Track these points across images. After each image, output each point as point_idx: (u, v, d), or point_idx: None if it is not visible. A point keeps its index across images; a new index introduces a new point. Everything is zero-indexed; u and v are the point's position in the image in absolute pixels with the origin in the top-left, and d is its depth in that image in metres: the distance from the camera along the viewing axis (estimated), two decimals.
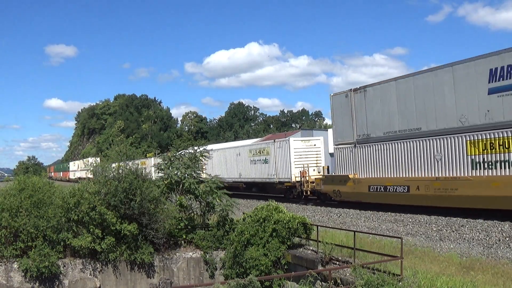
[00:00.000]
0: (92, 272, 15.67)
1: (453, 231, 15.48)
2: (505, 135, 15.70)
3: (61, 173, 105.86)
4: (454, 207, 17.68)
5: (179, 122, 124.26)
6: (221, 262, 16.56)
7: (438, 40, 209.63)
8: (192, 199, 18.80)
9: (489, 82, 16.34)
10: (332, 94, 24.47)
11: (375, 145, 21.13)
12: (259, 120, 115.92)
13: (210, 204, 18.30)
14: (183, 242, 17.38)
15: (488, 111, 16.33)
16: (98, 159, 71.46)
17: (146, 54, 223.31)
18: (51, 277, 14.97)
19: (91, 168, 17.41)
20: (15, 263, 14.89)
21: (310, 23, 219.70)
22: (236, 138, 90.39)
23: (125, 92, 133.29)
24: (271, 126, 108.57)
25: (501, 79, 15.91)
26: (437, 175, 18.13)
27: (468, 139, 16.86)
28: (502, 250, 12.98)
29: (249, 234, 14.66)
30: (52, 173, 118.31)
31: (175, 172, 18.51)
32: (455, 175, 17.39)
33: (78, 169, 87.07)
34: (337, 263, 12.48)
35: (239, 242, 14.94)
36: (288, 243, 14.31)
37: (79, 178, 72.80)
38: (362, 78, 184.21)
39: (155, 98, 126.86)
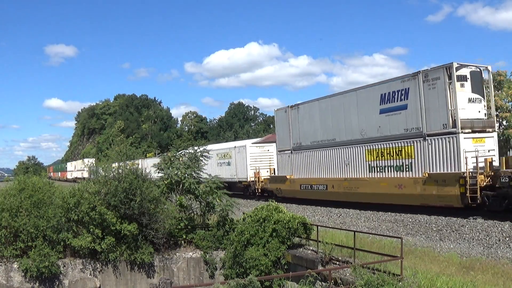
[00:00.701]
0: (92, 272, 15.67)
1: (453, 231, 15.48)
2: (391, 146, 20.26)
3: (59, 173, 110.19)
4: (357, 201, 22.22)
5: (179, 122, 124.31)
6: (221, 262, 16.55)
7: (438, 40, 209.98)
8: (192, 199, 18.80)
9: (380, 104, 20.84)
10: (275, 109, 29.69)
11: (304, 151, 26.13)
12: (259, 120, 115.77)
13: (210, 204, 18.30)
14: (183, 242, 17.38)
15: (380, 126, 20.87)
16: (93, 159, 78.00)
17: (145, 54, 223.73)
18: (51, 277, 14.97)
19: (87, 169, 17.47)
20: (15, 263, 14.89)
21: (310, 23, 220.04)
22: (236, 138, 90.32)
23: (125, 92, 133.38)
24: (271, 126, 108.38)
25: (388, 102, 20.51)
26: (345, 177, 22.82)
27: (366, 148, 21.54)
28: (502, 250, 12.98)
29: (249, 234, 14.66)
30: (51, 173, 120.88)
31: (175, 172, 18.50)
32: (357, 176, 22.11)
33: (75, 169, 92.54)
34: (337, 263, 12.48)
35: (239, 242, 14.94)
36: (288, 243, 14.31)
37: (76, 178, 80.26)
38: (361, 78, 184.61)
39: (155, 98, 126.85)
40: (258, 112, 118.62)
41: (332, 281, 10.84)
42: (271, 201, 15.97)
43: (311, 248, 14.20)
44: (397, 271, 10.41)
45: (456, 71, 17.52)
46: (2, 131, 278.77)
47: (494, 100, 20.92)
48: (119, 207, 15.70)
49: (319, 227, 14.19)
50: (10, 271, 14.82)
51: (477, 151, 17.10)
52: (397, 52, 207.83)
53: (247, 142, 38.00)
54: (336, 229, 15.36)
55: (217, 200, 18.27)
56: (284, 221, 14.22)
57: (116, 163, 17.36)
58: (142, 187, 15.99)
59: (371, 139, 21.21)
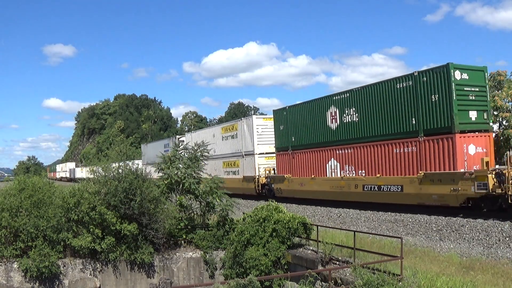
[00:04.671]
0: (92, 272, 15.67)
1: (453, 231, 15.47)
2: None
3: (52, 173, 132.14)
4: None
5: (179, 122, 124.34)
6: (221, 262, 16.54)
7: (436, 39, 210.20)
8: (192, 199, 18.79)
9: (164, 148, 40.60)
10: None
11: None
12: None
13: (210, 204, 18.28)
14: (183, 242, 17.37)
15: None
16: (74, 163, 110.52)
17: (144, 54, 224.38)
18: (51, 277, 14.96)
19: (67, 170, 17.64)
20: (15, 263, 14.88)
21: (309, 22, 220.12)
22: None
23: (124, 92, 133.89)
24: None
25: (168, 149, 38.17)
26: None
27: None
28: (502, 250, 12.98)
29: (249, 234, 14.66)
30: (47, 173, 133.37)
31: (175, 172, 18.49)
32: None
33: (61, 170, 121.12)
34: (337, 263, 12.48)
35: (239, 242, 14.93)
36: (288, 243, 14.31)
37: (62, 177, 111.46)
38: (361, 77, 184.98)
39: (155, 98, 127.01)
40: (258, 112, 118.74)
41: (332, 281, 10.84)
42: (271, 201, 15.96)
43: (311, 248, 14.20)
44: (397, 271, 10.41)
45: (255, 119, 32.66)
46: (1, 131, 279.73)
47: (495, 100, 21.44)
48: (119, 207, 15.69)
49: (319, 227, 14.19)
50: (10, 271, 14.81)
51: (268, 165, 29.95)
52: (396, 51, 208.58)
53: None
54: (336, 229, 15.36)
55: (217, 200, 18.25)
56: (284, 221, 14.22)
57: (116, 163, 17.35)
58: (142, 187, 15.98)
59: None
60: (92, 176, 17.03)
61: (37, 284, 14.87)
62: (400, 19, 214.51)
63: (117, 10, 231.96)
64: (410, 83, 18.97)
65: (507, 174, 15.58)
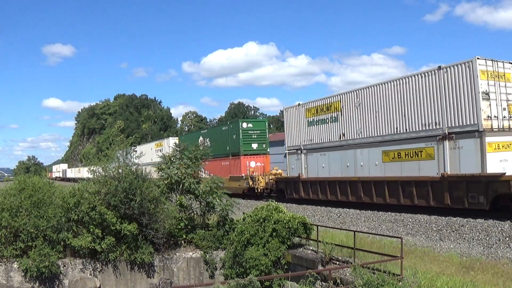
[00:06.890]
0: (92, 272, 15.67)
1: (453, 231, 15.47)
2: None
3: (50, 173, 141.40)
4: None
5: (179, 122, 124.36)
6: (221, 262, 16.55)
7: (436, 39, 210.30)
8: (192, 199, 18.77)
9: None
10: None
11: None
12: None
13: (210, 204, 18.27)
14: (183, 242, 17.36)
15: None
16: (66, 165, 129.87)
17: (143, 54, 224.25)
18: (51, 277, 14.97)
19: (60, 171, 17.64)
20: (15, 263, 14.89)
21: (308, 22, 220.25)
22: None
23: (124, 92, 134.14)
24: (271, 126, 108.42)
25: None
26: None
27: None
28: (502, 250, 12.98)
29: (249, 234, 14.66)
30: (47, 173, 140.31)
31: (175, 172, 18.48)
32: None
33: (56, 171, 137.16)
34: (337, 263, 12.49)
35: (239, 242, 14.93)
36: (288, 243, 14.30)
37: (56, 177, 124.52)
38: (360, 77, 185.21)
39: (155, 98, 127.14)
40: (258, 112, 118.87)
41: (332, 281, 10.84)
42: (271, 201, 15.97)
43: (311, 248, 14.20)
44: (397, 271, 10.41)
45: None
46: (1, 131, 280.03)
47: None
48: (119, 207, 15.69)
49: (319, 227, 14.18)
50: (10, 271, 14.82)
51: None
52: (396, 51, 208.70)
53: None
54: (336, 229, 15.36)
55: (217, 200, 18.24)
56: (284, 221, 14.21)
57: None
58: (142, 187, 15.98)
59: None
60: (81, 175, 17.05)
61: (37, 284, 14.87)
62: (400, 19, 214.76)
63: (116, 10, 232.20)
64: (226, 127, 35.00)
65: (256, 178, 30.39)
